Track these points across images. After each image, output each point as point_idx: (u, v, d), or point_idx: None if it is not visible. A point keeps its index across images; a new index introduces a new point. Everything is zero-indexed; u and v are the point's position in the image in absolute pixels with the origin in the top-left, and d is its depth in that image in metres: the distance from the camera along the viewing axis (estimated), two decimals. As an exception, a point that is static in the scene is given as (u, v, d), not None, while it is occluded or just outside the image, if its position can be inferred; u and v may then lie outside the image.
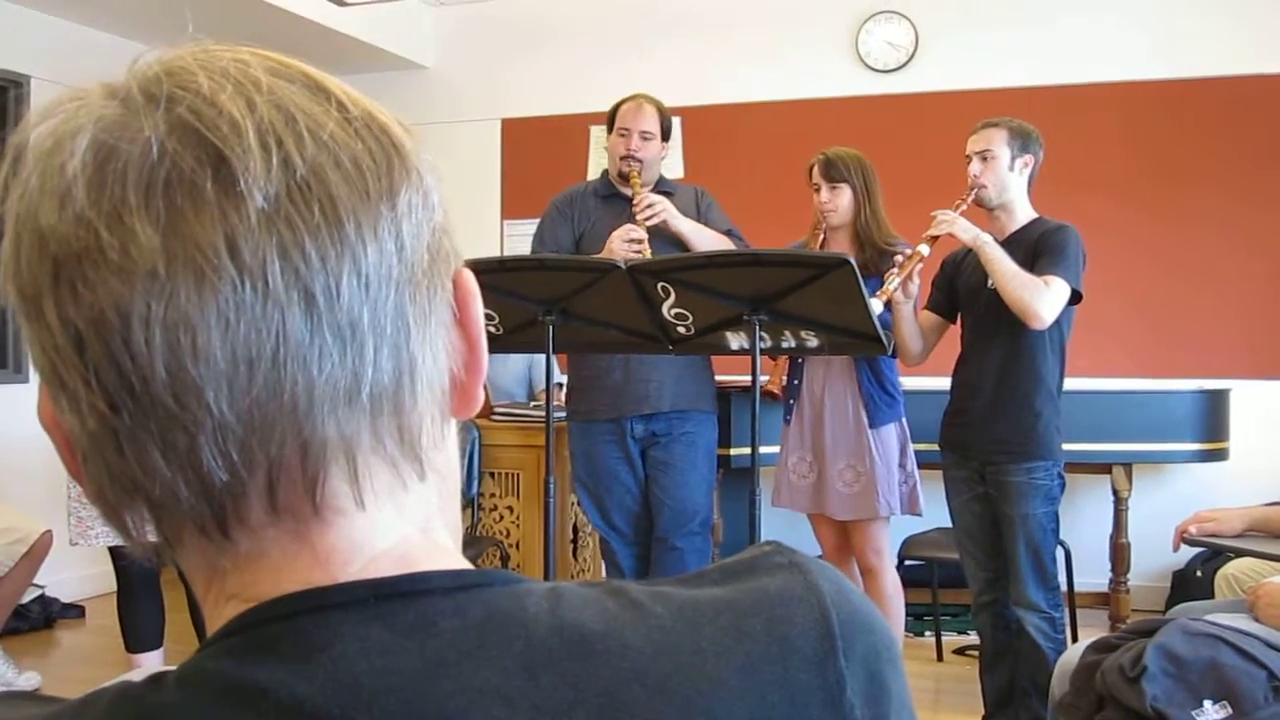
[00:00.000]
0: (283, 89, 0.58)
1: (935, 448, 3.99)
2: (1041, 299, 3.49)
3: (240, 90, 0.56)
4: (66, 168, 0.55)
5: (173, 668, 0.57)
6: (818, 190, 4.09)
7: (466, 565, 0.62)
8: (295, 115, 0.57)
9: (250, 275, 0.53)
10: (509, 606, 0.58)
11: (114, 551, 4.22)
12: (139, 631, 4.26)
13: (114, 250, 0.53)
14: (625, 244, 3.97)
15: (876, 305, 3.42)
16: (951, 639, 5.33)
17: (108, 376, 0.54)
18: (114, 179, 0.54)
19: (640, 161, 4.18)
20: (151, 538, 0.59)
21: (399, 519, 0.61)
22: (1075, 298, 3.59)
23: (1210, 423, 5.20)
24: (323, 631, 0.55)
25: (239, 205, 0.54)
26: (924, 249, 3.69)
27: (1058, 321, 3.57)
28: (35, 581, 5.28)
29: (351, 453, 0.58)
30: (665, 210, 4.06)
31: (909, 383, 4.25)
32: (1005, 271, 3.54)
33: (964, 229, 3.64)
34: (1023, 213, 3.75)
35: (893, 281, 3.66)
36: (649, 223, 4.03)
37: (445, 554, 0.63)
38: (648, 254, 3.89)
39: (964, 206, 3.71)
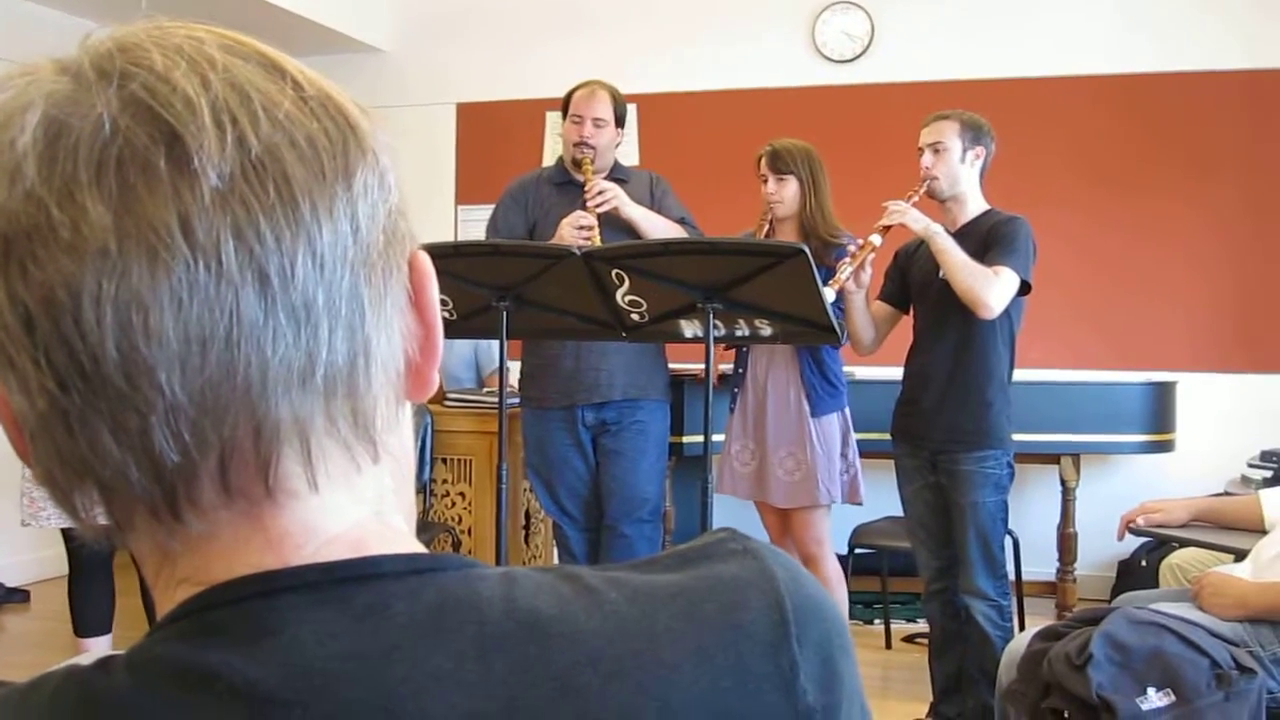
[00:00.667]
0: (238, 67, 0.57)
1: (887, 437, 4.02)
2: (990, 289, 3.52)
3: (195, 68, 0.56)
4: (16, 144, 0.54)
5: (121, 652, 0.56)
6: (765, 181, 4.11)
7: (420, 549, 0.62)
8: (250, 94, 0.56)
9: (204, 254, 0.53)
10: (462, 591, 0.58)
11: (66, 533, 4.15)
12: (88, 616, 4.20)
13: (65, 228, 0.52)
14: (575, 231, 3.96)
15: (829, 294, 3.43)
16: (900, 627, 5.37)
17: (58, 356, 0.53)
18: (65, 156, 0.53)
19: (593, 148, 4.17)
20: (101, 520, 0.58)
21: (352, 502, 0.61)
22: (1025, 288, 3.62)
23: (1157, 414, 5.27)
24: (275, 615, 0.55)
25: (193, 184, 0.53)
26: (876, 239, 3.71)
27: (1008, 312, 3.60)
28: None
29: (305, 435, 0.57)
30: (616, 197, 4.05)
31: (861, 372, 4.28)
32: (955, 261, 3.56)
33: (915, 219, 3.66)
34: (974, 204, 3.78)
35: (845, 270, 3.67)
36: (600, 210, 4.02)
37: (399, 538, 0.63)
38: (598, 241, 3.88)
39: (916, 198, 3.73)
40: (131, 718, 0.53)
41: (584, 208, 4.06)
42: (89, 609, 4.20)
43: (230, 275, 0.53)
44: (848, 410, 4.16)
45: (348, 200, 0.57)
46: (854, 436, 4.16)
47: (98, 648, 4.11)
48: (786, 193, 4.07)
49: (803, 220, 4.09)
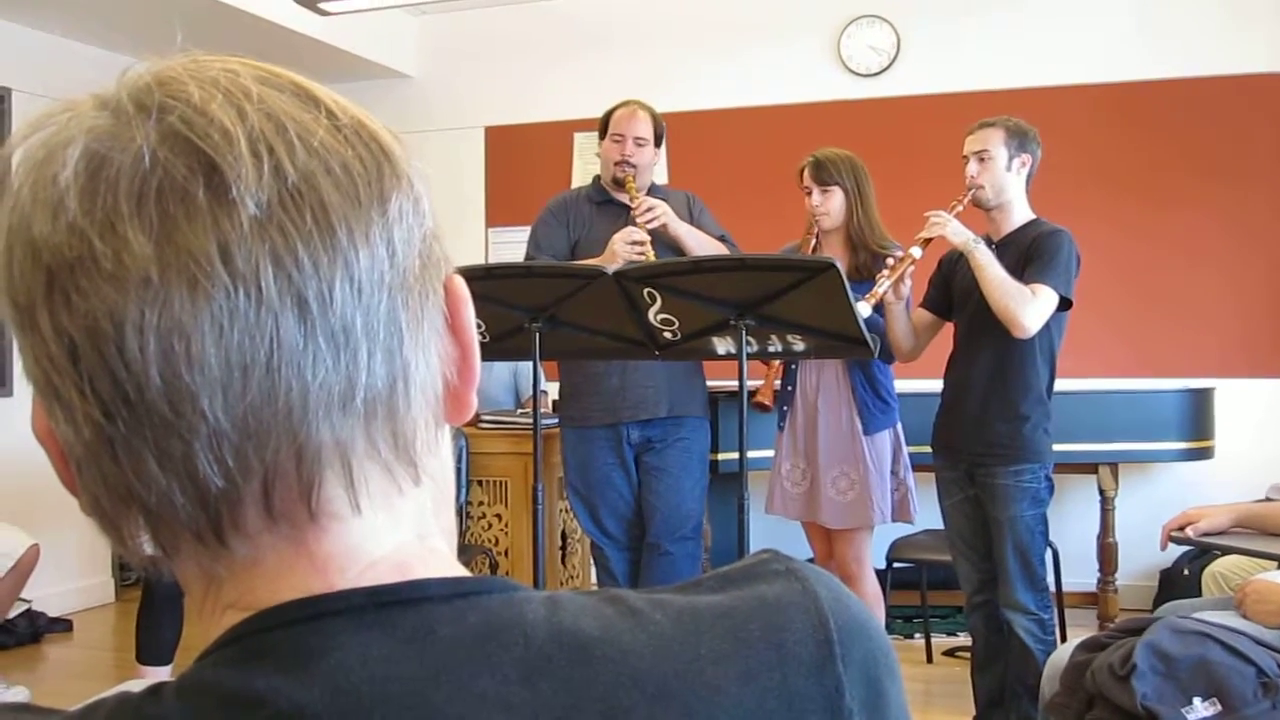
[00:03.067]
0: (273, 98, 0.58)
1: (926, 449, 3.99)
2: (1026, 308, 3.48)
3: (231, 99, 0.56)
4: (59, 178, 0.55)
5: (171, 679, 0.57)
6: (809, 194, 4.04)
7: (464, 572, 0.62)
8: (286, 123, 0.57)
9: (244, 282, 0.53)
10: (507, 613, 0.58)
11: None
12: (153, 645, 4.22)
13: (107, 259, 0.53)
14: (628, 246, 3.94)
15: (865, 309, 3.42)
16: (941, 640, 5.34)
17: (102, 385, 0.54)
18: (106, 188, 0.54)
19: (635, 167, 4.17)
20: (148, 548, 0.59)
21: (394, 524, 0.61)
22: (1065, 304, 3.59)
23: (1195, 422, 5.22)
24: (321, 639, 0.55)
25: (231, 213, 0.54)
26: (916, 251, 3.68)
27: (1047, 327, 3.56)
28: (22, 596, 5.26)
29: (346, 458, 0.58)
30: (665, 214, 4.05)
31: (902, 385, 4.24)
32: (993, 278, 3.53)
33: (955, 231, 3.62)
34: (1020, 214, 3.74)
35: (883, 284, 3.65)
36: (649, 226, 4.00)
37: (442, 560, 0.63)
38: (651, 256, 3.87)
39: (960, 207, 3.69)
40: None
41: (631, 225, 4.05)
42: (154, 639, 4.22)
43: (270, 302, 0.54)
44: (899, 426, 4.10)
45: (383, 225, 0.58)
46: (905, 453, 4.10)
47: (155, 678, 4.13)
48: (832, 204, 4.00)
49: (850, 232, 4.03)
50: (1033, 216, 3.76)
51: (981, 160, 3.69)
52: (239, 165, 0.54)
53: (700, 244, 4.08)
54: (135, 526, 0.58)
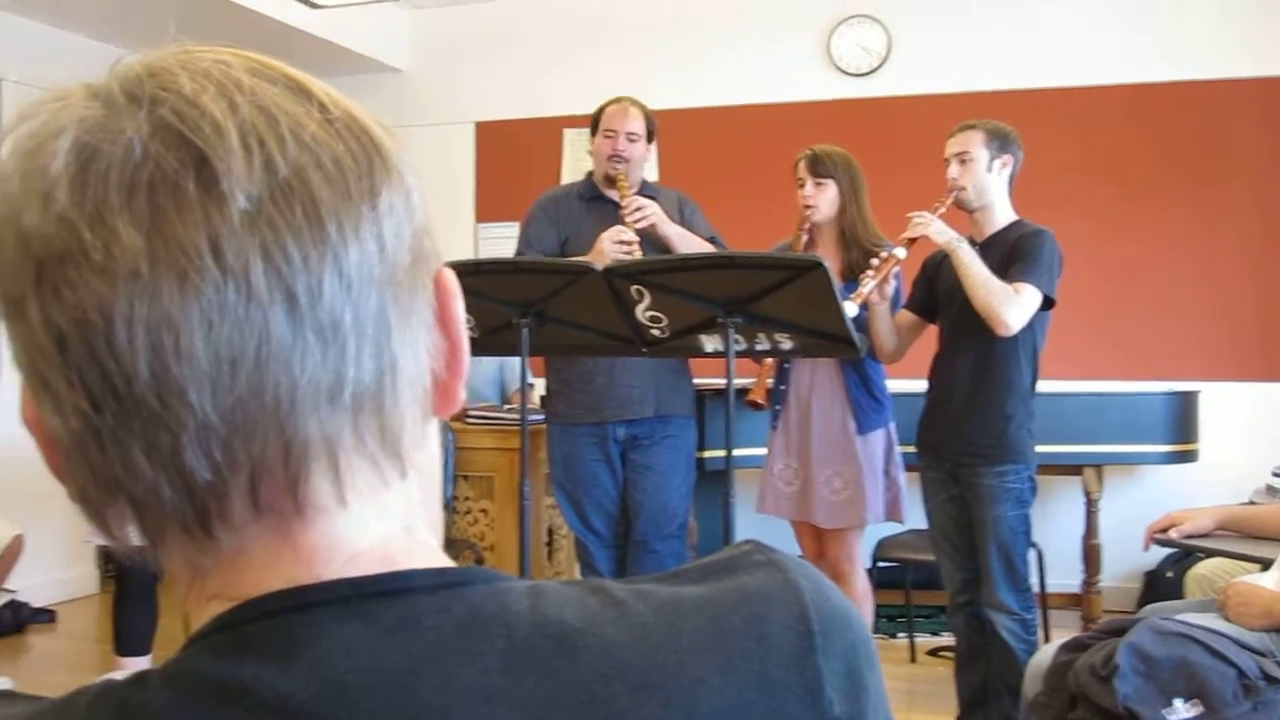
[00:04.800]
0: (264, 90, 0.58)
1: (910, 449, 4.00)
2: (1009, 307, 3.50)
3: (222, 91, 0.56)
4: (49, 168, 0.55)
5: (156, 667, 0.57)
6: (802, 185, 4.05)
7: (449, 563, 0.63)
8: (277, 116, 0.57)
9: (233, 276, 0.54)
10: (491, 605, 0.58)
11: (112, 552, 4.16)
12: (130, 636, 4.23)
13: (97, 251, 0.53)
14: (615, 245, 3.92)
15: (851, 308, 3.42)
16: (925, 640, 5.35)
17: (91, 376, 0.54)
18: (96, 180, 0.54)
19: (627, 162, 4.16)
20: (134, 538, 0.59)
21: (381, 517, 0.62)
22: (1048, 303, 3.61)
23: (1180, 424, 5.24)
24: (306, 630, 0.56)
25: (221, 206, 0.54)
26: (900, 251, 3.69)
27: (1030, 326, 3.58)
28: (6, 586, 5.25)
29: (334, 452, 0.58)
30: (654, 214, 4.05)
31: (891, 385, 4.25)
32: (976, 277, 3.55)
33: (938, 231, 3.64)
34: (1002, 215, 3.76)
35: (867, 285, 3.65)
36: (638, 226, 3.99)
37: (428, 552, 0.64)
38: (638, 255, 3.85)
39: (943, 209, 3.71)
40: None
41: (620, 223, 4.04)
42: (131, 629, 4.23)
43: (259, 296, 0.54)
44: (893, 426, 4.11)
45: (374, 220, 0.58)
46: (898, 452, 4.11)
47: (135, 668, 4.12)
48: (824, 198, 4.02)
49: (843, 228, 4.04)
50: (1015, 217, 3.77)
51: (963, 162, 3.71)
52: (229, 159, 0.54)
53: (689, 246, 4.06)
54: (122, 516, 0.58)
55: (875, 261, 3.74)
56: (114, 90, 0.57)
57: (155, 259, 0.53)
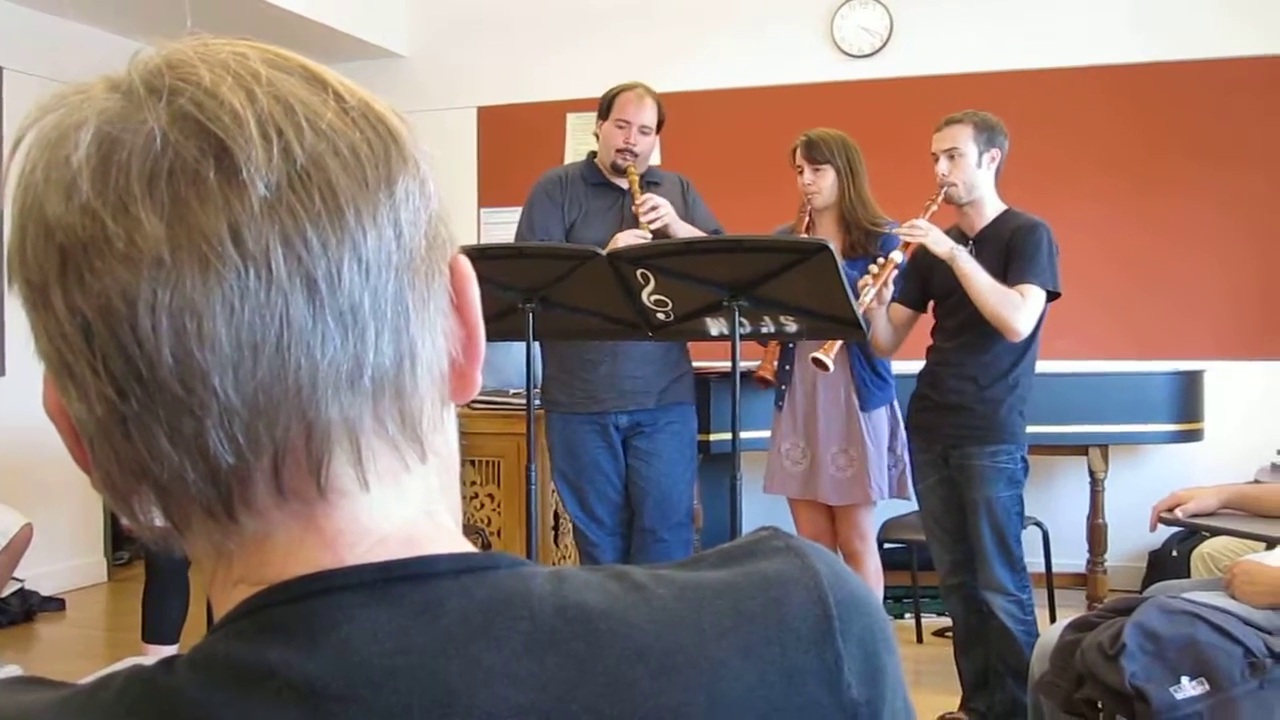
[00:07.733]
0: (281, 80, 0.59)
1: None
2: (1018, 314, 3.51)
3: (240, 82, 0.57)
4: (71, 159, 0.56)
5: (183, 653, 0.58)
6: (800, 172, 4.06)
7: (470, 548, 0.63)
8: (294, 106, 0.58)
9: (254, 262, 0.54)
10: (514, 588, 0.59)
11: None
12: (159, 623, 4.20)
13: (120, 239, 0.54)
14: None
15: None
16: (931, 620, 5.36)
17: (115, 363, 0.55)
18: (118, 170, 0.55)
19: (636, 155, 4.12)
20: (158, 523, 0.60)
21: (402, 501, 0.62)
22: (1053, 295, 3.61)
23: (1185, 404, 5.24)
24: (331, 613, 0.57)
25: (241, 194, 0.55)
26: (898, 256, 3.68)
27: None
28: (15, 575, 5.27)
29: (355, 436, 0.59)
30: (668, 214, 4.02)
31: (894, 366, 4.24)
32: (980, 286, 3.53)
33: (937, 240, 3.60)
34: (991, 207, 3.74)
35: (867, 293, 3.61)
36: (651, 226, 3.97)
37: (449, 536, 0.64)
38: None
39: (934, 207, 3.69)
40: (195, 715, 0.55)
41: (626, 212, 4.03)
42: (160, 616, 4.20)
43: (279, 282, 0.55)
44: (896, 403, 4.12)
45: (390, 207, 0.59)
46: (903, 429, 4.11)
47: (161, 656, 4.11)
48: (824, 183, 4.02)
49: (843, 210, 4.05)
50: (1004, 208, 3.76)
51: (952, 158, 3.68)
52: (249, 147, 0.55)
53: None
54: (147, 502, 0.59)
55: (873, 268, 3.71)
56: (134, 82, 0.58)
57: (177, 246, 0.54)
